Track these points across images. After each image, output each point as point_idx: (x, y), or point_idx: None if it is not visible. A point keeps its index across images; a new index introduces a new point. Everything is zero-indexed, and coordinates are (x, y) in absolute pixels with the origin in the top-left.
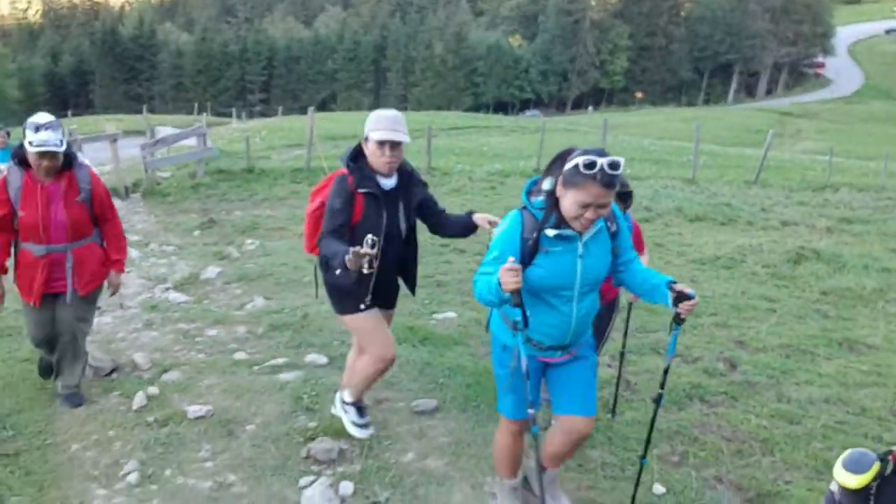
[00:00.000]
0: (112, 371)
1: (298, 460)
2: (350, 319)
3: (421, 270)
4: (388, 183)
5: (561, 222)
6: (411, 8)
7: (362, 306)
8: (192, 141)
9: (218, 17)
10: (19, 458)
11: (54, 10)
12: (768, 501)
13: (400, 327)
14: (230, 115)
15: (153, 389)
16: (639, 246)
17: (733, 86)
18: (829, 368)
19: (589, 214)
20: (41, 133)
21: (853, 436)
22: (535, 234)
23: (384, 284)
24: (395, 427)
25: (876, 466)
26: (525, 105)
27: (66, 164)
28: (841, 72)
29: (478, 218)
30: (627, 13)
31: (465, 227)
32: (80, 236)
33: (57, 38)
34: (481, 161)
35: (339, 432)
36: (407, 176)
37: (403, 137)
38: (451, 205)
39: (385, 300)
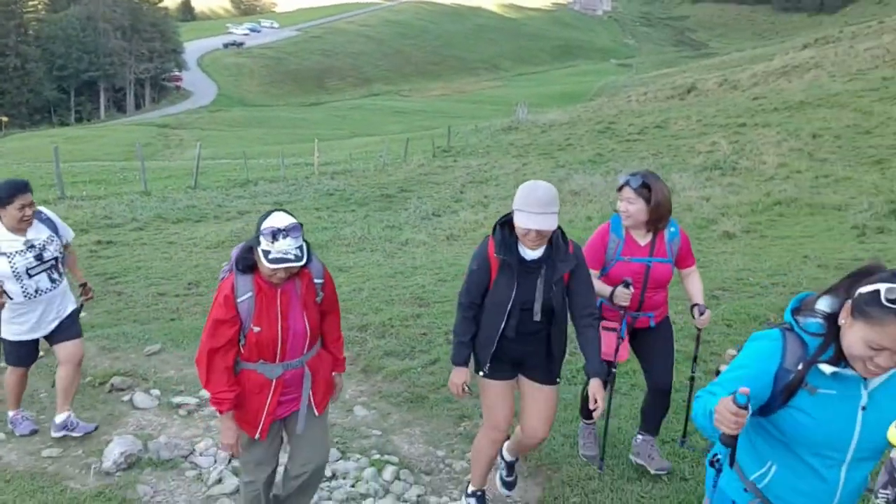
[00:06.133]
0: None
1: None
2: (479, 382)
3: None
4: (532, 254)
5: (840, 358)
6: None
7: (481, 373)
8: None
9: None
10: None
11: None
12: None
13: None
14: None
15: None
16: (689, 258)
17: (102, 102)
18: None
19: (881, 361)
20: None
21: None
22: (800, 367)
23: (516, 358)
24: None
25: None
26: None
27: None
28: (197, 84)
29: (592, 389)
30: None
31: (588, 360)
32: (314, 344)
33: None
34: None
35: None
36: (554, 246)
37: (552, 224)
38: None
39: (526, 374)
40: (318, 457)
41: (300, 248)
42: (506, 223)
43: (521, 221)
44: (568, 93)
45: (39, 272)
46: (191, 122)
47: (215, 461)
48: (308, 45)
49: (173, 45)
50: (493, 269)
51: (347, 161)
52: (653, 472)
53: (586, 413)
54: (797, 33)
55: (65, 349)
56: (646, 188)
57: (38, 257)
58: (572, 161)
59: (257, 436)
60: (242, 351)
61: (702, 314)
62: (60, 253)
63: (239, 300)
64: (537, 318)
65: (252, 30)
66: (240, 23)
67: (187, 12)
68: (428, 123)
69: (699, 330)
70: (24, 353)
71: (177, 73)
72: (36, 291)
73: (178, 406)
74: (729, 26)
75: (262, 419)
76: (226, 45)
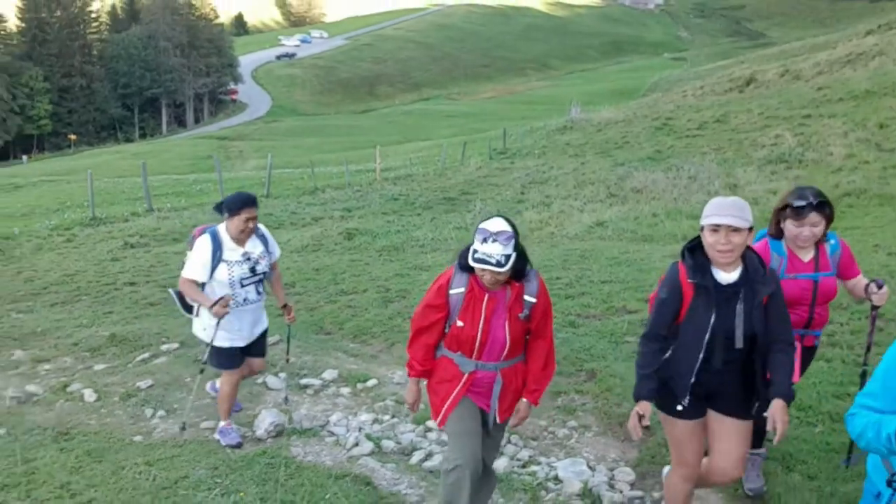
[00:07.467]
0: None
1: None
2: (664, 419)
3: None
4: (727, 277)
5: None
6: None
7: (679, 407)
8: None
9: None
10: None
11: None
12: None
13: None
14: None
15: None
16: (853, 267)
17: (164, 118)
18: None
19: None
20: None
21: None
22: None
23: (711, 389)
24: None
25: None
26: None
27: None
28: (252, 96)
29: (774, 410)
30: (36, 55)
31: (775, 382)
32: (513, 355)
33: None
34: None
35: None
36: (751, 269)
37: (741, 223)
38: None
39: (718, 407)
40: (487, 459)
41: (506, 256)
42: (694, 247)
43: (711, 220)
44: (620, 89)
45: (250, 283)
46: (248, 133)
47: (347, 430)
48: (358, 53)
49: (229, 60)
50: (685, 297)
51: (406, 166)
52: (745, 489)
53: (755, 441)
54: (859, 20)
55: (251, 364)
56: (829, 206)
57: (252, 269)
58: (631, 159)
59: (438, 420)
60: (446, 338)
61: (880, 287)
62: (269, 269)
63: (451, 292)
64: (739, 344)
65: (303, 41)
66: (291, 34)
67: (240, 26)
68: (480, 126)
69: (875, 308)
70: (234, 359)
71: (233, 87)
72: (244, 301)
73: (306, 387)
74: (787, 14)
75: (445, 408)
76: (278, 57)
